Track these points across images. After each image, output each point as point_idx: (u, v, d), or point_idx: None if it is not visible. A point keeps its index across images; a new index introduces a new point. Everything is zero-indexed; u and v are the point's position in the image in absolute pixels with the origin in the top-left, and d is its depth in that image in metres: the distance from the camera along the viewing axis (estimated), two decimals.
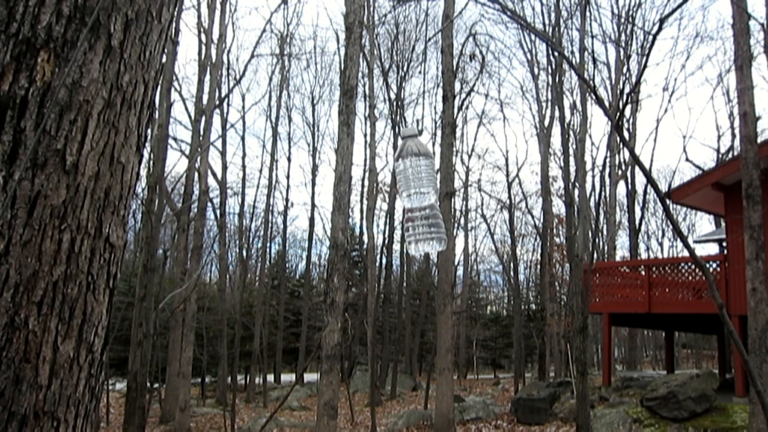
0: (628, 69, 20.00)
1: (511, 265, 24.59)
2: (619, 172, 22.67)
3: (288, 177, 28.01)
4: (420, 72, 22.96)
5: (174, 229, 18.17)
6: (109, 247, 1.09)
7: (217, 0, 15.62)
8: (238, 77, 19.96)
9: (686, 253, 17.90)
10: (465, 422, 12.48)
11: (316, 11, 60.01)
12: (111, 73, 1.07)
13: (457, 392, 15.27)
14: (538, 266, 25.44)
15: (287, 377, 27.59)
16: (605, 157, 16.57)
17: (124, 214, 1.14)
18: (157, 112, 11.02)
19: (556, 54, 15.24)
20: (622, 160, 22.50)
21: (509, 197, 24.77)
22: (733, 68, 8.12)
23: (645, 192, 24.16)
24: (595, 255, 11.31)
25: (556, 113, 18.96)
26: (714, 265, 11.32)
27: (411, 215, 1.32)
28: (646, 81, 28.09)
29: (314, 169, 27.53)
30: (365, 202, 21.20)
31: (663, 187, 25.98)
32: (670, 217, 2.03)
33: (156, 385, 16.79)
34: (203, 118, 14.93)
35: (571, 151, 17.39)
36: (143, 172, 11.71)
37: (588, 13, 16.18)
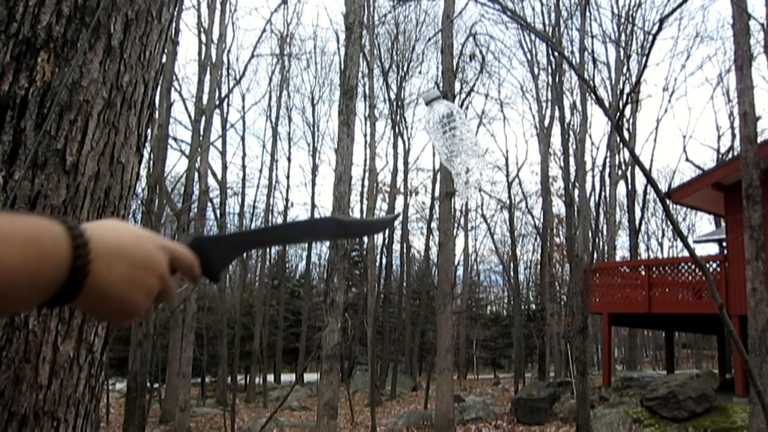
0: (628, 69, 20.00)
1: (511, 265, 24.60)
2: (619, 172, 22.67)
3: (288, 177, 28.05)
4: (420, 72, 23.00)
5: (174, 229, 18.16)
6: None
7: (217, 0, 15.62)
8: (238, 77, 19.98)
9: (686, 253, 17.90)
10: (465, 422, 12.48)
11: (316, 11, 60.12)
12: (111, 73, 1.07)
13: (457, 392, 15.26)
14: (538, 266, 25.44)
15: (287, 377, 27.58)
16: (605, 157, 16.56)
17: (124, 214, 1.15)
18: (157, 112, 11.02)
19: (556, 54, 15.25)
20: (622, 160, 22.50)
21: (509, 197, 24.78)
22: (733, 68, 8.12)
23: (645, 192, 24.15)
24: (595, 255, 11.31)
25: (556, 113, 18.97)
26: (714, 265, 11.32)
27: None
28: (646, 81, 28.08)
29: (314, 169, 27.55)
30: (365, 202, 21.22)
31: (663, 187, 25.98)
32: (670, 217, 2.03)
33: (156, 385, 16.79)
34: (203, 118, 14.93)
35: (571, 151, 17.39)
36: (143, 172, 11.71)
37: (588, 13, 16.19)
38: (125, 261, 0.53)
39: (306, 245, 29.95)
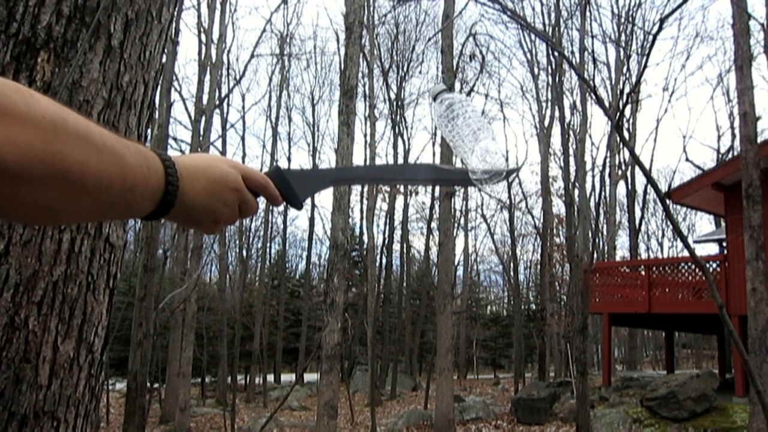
0: (628, 69, 19.99)
1: (511, 265, 24.58)
2: (619, 172, 22.66)
3: None
4: (420, 72, 22.99)
5: (174, 229, 18.17)
6: (109, 247, 1.09)
7: (217, 0, 15.62)
8: (238, 77, 19.99)
9: (686, 253, 17.90)
10: (465, 422, 12.48)
11: (316, 11, 60.14)
12: (111, 73, 1.07)
13: (457, 392, 15.26)
14: (538, 266, 25.45)
15: (287, 377, 27.59)
16: (605, 157, 16.55)
17: None
18: (157, 112, 11.02)
19: (556, 54, 15.24)
20: (622, 160, 22.50)
21: (509, 197, 24.76)
22: (733, 68, 8.13)
23: (645, 192, 24.16)
24: (595, 255, 11.31)
25: (556, 113, 18.97)
26: (714, 265, 11.32)
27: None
28: (646, 81, 28.09)
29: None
30: (365, 202, 21.22)
31: (663, 187, 25.97)
32: (670, 217, 2.03)
33: (156, 385, 16.78)
34: (203, 118, 14.94)
35: (571, 151, 17.39)
36: None
37: (588, 13, 16.18)
38: (203, 177, 0.64)
39: (306, 245, 29.98)
